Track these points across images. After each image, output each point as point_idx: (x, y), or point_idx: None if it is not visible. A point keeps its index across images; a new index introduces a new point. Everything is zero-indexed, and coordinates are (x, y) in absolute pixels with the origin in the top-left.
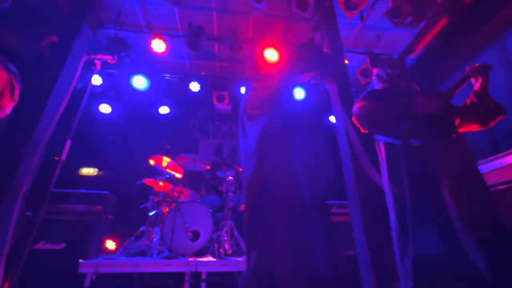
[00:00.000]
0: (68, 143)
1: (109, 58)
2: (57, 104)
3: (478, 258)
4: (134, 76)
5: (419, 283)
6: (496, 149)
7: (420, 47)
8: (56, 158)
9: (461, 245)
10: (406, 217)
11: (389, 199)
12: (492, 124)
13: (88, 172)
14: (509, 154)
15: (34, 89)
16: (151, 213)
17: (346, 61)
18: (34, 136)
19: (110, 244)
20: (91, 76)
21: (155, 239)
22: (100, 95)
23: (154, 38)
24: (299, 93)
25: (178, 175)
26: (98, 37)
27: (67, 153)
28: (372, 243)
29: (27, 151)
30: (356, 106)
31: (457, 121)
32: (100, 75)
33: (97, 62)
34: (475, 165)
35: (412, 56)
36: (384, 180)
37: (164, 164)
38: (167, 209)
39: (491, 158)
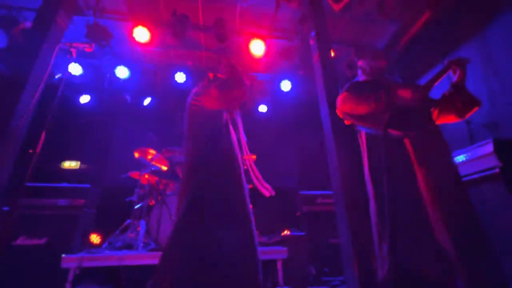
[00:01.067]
0: (43, 135)
1: (86, 47)
2: (32, 94)
3: (446, 239)
4: (117, 67)
5: (394, 267)
6: (472, 140)
7: (405, 40)
8: (30, 151)
9: (433, 229)
10: (384, 204)
11: (369, 188)
12: (468, 115)
13: (70, 165)
14: (482, 145)
15: (7, 79)
16: (136, 206)
17: (333, 53)
18: (8, 129)
19: (95, 238)
20: (68, 65)
21: (141, 232)
22: (81, 85)
23: (137, 25)
24: (285, 85)
25: (164, 168)
26: (76, 25)
27: (49, 146)
28: (354, 231)
29: (1, 144)
30: (339, 98)
31: (435, 113)
32: (81, 65)
33: (73, 51)
34: (449, 156)
35: (397, 49)
36: (365, 169)
37: (149, 156)
38: (153, 202)
39: (467, 148)
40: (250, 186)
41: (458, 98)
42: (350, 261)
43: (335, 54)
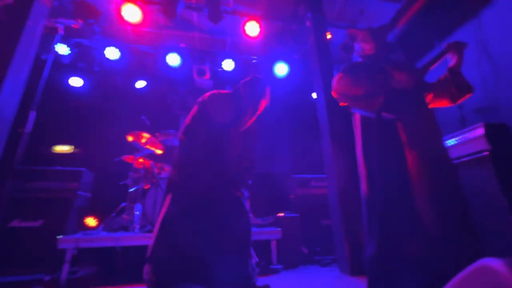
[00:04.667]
0: (32, 115)
1: (73, 23)
2: (18, 74)
3: (432, 220)
4: (106, 47)
5: (383, 246)
6: (463, 124)
7: (402, 22)
8: (19, 130)
9: (420, 210)
10: (374, 185)
11: (361, 169)
12: (461, 100)
13: (63, 150)
14: (472, 129)
15: None
16: (131, 190)
17: (329, 36)
18: None
19: (91, 221)
20: (55, 44)
21: (136, 214)
22: (69, 66)
23: (126, 2)
24: (282, 69)
25: (159, 151)
26: (62, 2)
27: (41, 130)
28: (345, 213)
29: None
30: (334, 79)
31: (429, 97)
32: (68, 45)
33: (59, 27)
34: (440, 140)
35: (394, 31)
36: (358, 151)
37: (143, 140)
38: (148, 186)
39: (458, 132)
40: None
41: (453, 83)
42: (340, 241)
43: (331, 36)
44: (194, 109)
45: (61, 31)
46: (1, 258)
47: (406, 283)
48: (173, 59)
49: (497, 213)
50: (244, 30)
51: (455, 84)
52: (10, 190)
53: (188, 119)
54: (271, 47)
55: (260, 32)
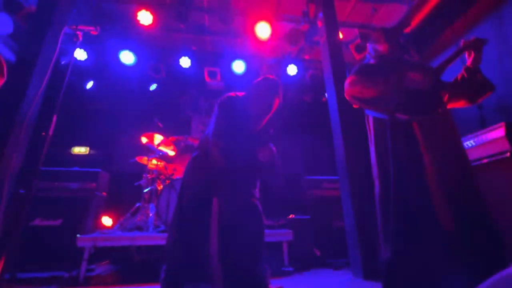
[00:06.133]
0: (54, 118)
1: (91, 30)
2: (41, 79)
3: (449, 224)
4: (121, 51)
5: (398, 250)
6: (483, 124)
7: (416, 20)
8: (43, 134)
9: (437, 214)
10: (389, 187)
11: (375, 172)
12: (480, 100)
13: (80, 151)
14: (492, 130)
15: (16, 65)
16: (145, 190)
17: (341, 35)
18: (20, 112)
19: (107, 221)
20: (74, 49)
21: (151, 215)
22: (86, 70)
23: (141, 9)
24: (293, 70)
25: (171, 153)
26: (80, 8)
27: (59, 133)
28: (358, 215)
29: (13, 127)
30: (347, 81)
31: (446, 97)
32: (85, 50)
33: (79, 34)
34: (458, 141)
35: (408, 30)
36: (372, 152)
37: (156, 141)
38: (161, 186)
39: (477, 133)
40: None
41: (471, 83)
42: (353, 243)
43: (344, 37)
44: (215, 111)
45: (80, 36)
46: (23, 255)
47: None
48: (185, 62)
49: None
50: (254, 32)
51: (473, 83)
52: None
53: (213, 122)
54: (282, 48)
55: (271, 33)
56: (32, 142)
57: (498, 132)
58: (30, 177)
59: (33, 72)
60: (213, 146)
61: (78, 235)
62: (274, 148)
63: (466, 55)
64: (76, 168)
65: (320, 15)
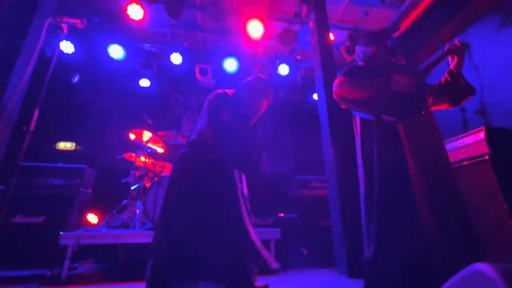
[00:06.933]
0: (36, 112)
1: (77, 23)
2: (23, 70)
3: (431, 223)
4: (110, 45)
5: (380, 248)
6: (466, 127)
7: (405, 25)
8: (23, 128)
9: (419, 214)
10: (373, 187)
11: (361, 172)
12: (462, 103)
13: (65, 147)
14: (473, 133)
15: None
16: (133, 187)
17: (332, 37)
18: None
19: (92, 218)
20: (59, 42)
21: (137, 212)
22: (74, 64)
23: (131, 2)
24: (283, 69)
25: (160, 150)
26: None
27: (44, 127)
28: (345, 214)
29: None
30: (335, 82)
31: (430, 100)
32: (73, 43)
33: (64, 26)
34: (440, 142)
35: (397, 34)
36: (358, 153)
37: (145, 138)
38: (149, 184)
39: (459, 136)
40: None
41: (454, 86)
42: (339, 242)
43: (335, 39)
44: (205, 107)
45: (66, 29)
46: (3, 253)
47: (403, 287)
48: (176, 58)
49: (497, 217)
50: (247, 30)
51: (455, 86)
52: (14, 186)
53: (204, 117)
54: (274, 47)
55: (264, 32)
56: (13, 136)
57: (478, 135)
58: (10, 173)
59: (15, 63)
60: (209, 130)
61: (61, 233)
62: (262, 143)
63: (449, 59)
64: (61, 164)
65: (312, 16)
